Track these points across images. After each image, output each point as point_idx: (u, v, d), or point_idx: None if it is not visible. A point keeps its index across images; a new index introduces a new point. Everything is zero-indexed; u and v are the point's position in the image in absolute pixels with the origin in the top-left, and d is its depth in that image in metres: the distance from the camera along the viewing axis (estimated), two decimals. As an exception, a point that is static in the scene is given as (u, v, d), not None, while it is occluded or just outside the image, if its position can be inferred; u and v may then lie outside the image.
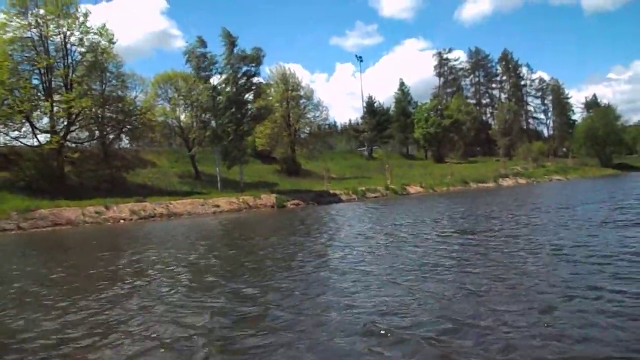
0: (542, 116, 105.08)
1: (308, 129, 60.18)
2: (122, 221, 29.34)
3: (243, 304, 7.22)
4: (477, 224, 15.97)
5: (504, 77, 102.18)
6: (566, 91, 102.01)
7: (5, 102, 34.63)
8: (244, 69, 40.73)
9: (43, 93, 37.29)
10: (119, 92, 41.28)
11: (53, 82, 37.72)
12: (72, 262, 13.77)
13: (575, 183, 47.26)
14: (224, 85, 40.41)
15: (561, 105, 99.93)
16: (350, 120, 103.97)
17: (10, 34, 35.25)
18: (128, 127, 41.96)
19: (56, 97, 37.54)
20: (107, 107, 40.06)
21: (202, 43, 40.29)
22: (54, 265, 12.82)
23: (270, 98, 51.76)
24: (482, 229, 14.37)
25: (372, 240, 13.74)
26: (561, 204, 21.97)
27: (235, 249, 14.22)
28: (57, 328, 6.48)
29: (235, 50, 40.21)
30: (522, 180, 55.58)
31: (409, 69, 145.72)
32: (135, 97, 43.26)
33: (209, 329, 6.07)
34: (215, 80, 41.05)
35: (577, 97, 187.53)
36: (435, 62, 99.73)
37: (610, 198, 23.16)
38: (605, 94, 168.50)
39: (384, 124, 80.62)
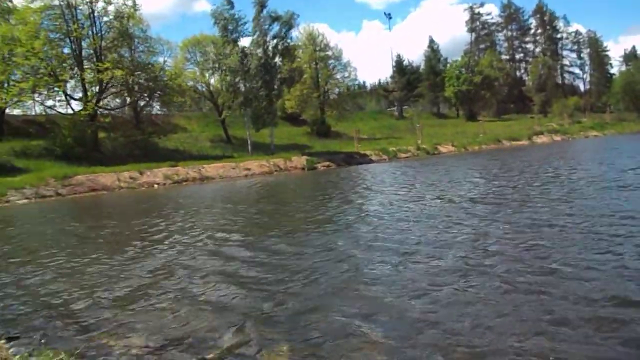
0: (578, 71, 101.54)
1: (337, 89, 59.69)
2: (155, 186, 29.89)
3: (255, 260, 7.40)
4: (499, 186, 15.73)
5: (539, 31, 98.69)
6: (604, 44, 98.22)
7: (40, 71, 35.26)
8: (274, 30, 40.32)
9: (73, 61, 37.79)
10: (148, 59, 41.60)
11: (83, 51, 38.19)
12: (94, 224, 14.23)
13: (611, 139, 45.97)
14: (252, 48, 40.10)
15: (599, 58, 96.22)
16: (379, 80, 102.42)
17: (39, 3, 35.54)
18: (158, 93, 42.26)
19: (87, 65, 38.08)
20: (136, 73, 40.38)
21: (230, 4, 39.80)
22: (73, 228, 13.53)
23: (299, 59, 51.25)
24: (503, 192, 14.09)
25: (385, 205, 13.50)
26: (588, 163, 21.56)
27: (257, 212, 14.41)
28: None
29: (264, 12, 39.75)
30: (557, 137, 54.37)
31: (438, 25, 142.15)
32: (164, 62, 43.48)
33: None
34: (244, 42, 40.80)
35: (615, 50, 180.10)
36: (467, 17, 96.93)
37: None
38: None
39: (414, 83, 79.30)
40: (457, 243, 7.72)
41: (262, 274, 6.86)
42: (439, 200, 12.99)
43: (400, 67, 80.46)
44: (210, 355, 4.31)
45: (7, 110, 39.46)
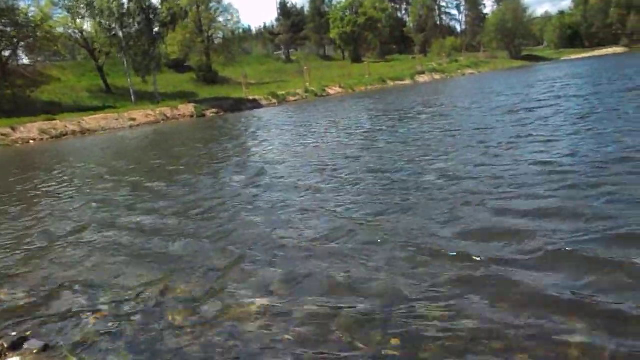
0: (454, 11, 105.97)
1: (221, 34, 57.91)
2: (32, 142, 27.92)
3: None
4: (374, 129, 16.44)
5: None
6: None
7: None
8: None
9: None
10: (9, 3, 37.67)
11: None
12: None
13: (485, 76, 48.98)
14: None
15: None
16: (264, 24, 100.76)
17: None
18: (25, 40, 38.67)
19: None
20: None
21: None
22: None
23: (179, 2, 48.85)
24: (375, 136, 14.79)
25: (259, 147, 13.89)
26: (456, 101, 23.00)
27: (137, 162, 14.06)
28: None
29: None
30: (437, 76, 56.97)
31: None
32: (28, 7, 39.66)
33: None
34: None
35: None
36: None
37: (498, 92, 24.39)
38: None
39: (300, 25, 78.89)
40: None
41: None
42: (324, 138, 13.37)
43: (284, 10, 79.48)
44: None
45: None
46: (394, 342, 3.03)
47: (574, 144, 7.85)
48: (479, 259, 4.00)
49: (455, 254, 4.17)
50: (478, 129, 11.13)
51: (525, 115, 12.23)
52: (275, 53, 77.55)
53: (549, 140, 8.43)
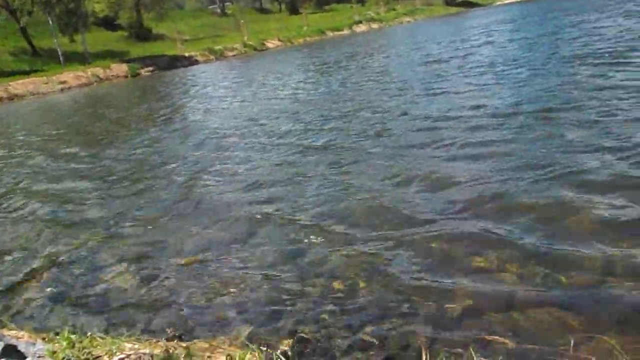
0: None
1: (151, -13, 55.50)
2: (-46, 111, 26.65)
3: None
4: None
5: None
6: None
7: None
8: None
9: None
10: None
11: None
12: None
13: (420, 24, 49.29)
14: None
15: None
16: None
17: None
18: None
19: None
20: None
21: None
22: None
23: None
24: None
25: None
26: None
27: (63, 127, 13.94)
28: None
29: None
30: (375, 25, 56.89)
31: None
32: None
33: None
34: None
35: None
36: None
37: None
38: None
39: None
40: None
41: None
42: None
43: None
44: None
45: None
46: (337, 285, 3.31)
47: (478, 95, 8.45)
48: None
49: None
50: (402, 80, 11.64)
51: (442, 66, 12.80)
52: (210, 7, 75.12)
53: (458, 92, 9.00)
